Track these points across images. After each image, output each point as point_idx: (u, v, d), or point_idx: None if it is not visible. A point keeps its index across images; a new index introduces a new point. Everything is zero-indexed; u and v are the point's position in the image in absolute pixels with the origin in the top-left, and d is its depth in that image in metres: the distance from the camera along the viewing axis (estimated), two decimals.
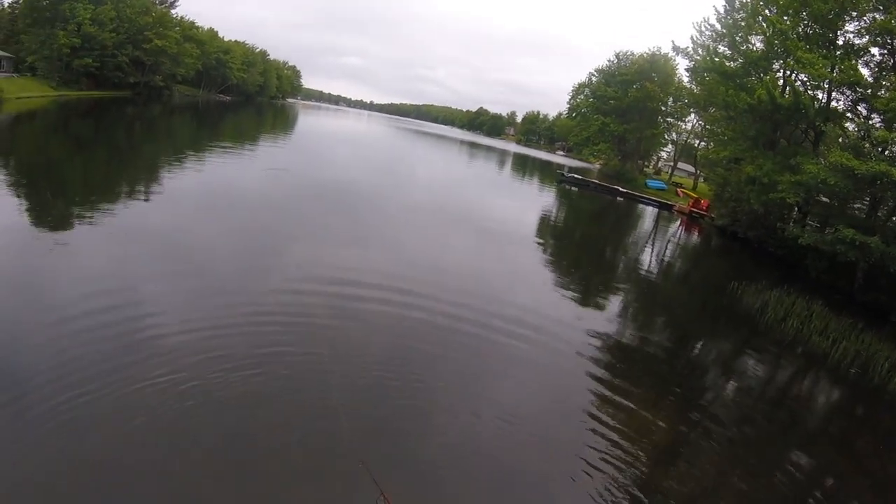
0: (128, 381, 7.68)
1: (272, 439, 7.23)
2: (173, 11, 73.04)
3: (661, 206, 53.47)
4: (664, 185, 68.27)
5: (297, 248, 16.57)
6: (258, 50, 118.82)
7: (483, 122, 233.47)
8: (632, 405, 10.13)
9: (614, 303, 17.99)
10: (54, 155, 25.67)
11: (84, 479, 6.11)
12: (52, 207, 16.39)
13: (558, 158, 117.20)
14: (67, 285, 10.75)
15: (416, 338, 11.29)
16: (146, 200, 18.76)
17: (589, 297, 17.67)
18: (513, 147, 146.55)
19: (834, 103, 30.05)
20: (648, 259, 27.81)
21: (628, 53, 76.44)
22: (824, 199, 28.02)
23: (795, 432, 11.18)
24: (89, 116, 44.29)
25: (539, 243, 25.59)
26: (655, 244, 33.47)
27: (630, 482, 7.73)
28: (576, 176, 62.90)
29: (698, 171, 70.26)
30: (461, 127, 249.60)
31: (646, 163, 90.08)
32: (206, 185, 23.15)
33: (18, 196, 16.75)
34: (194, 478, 6.39)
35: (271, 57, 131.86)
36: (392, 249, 18.46)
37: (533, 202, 42.14)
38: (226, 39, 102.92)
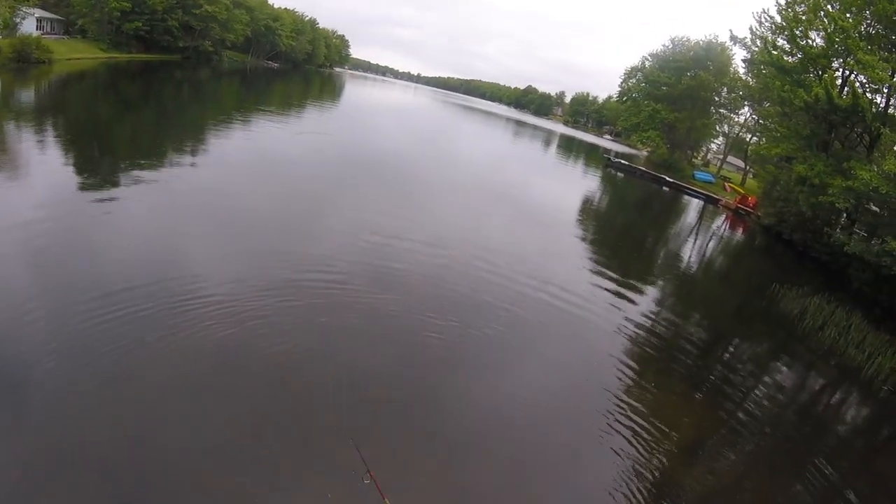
0: (163, 307, 8.65)
1: (278, 400, 7.46)
2: None
3: (708, 200, 52.21)
4: (712, 178, 66.26)
5: (338, 212, 17.17)
6: (307, 18, 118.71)
7: (531, 101, 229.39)
8: (660, 396, 10.19)
9: (651, 292, 17.90)
10: (102, 115, 26.44)
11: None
12: (99, 165, 17.16)
13: (605, 142, 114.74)
14: (115, 236, 11.40)
15: (445, 310, 11.41)
16: (192, 160, 19.52)
17: (626, 284, 17.43)
18: (560, 128, 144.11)
19: (893, 109, 28.47)
20: (689, 252, 27.62)
21: (684, 39, 73.27)
22: (874, 207, 26.70)
23: (820, 443, 10.98)
24: (138, 79, 45.22)
25: (580, 226, 25.73)
26: (698, 238, 33.04)
27: (650, 472, 7.76)
28: (622, 161, 61.88)
29: (748, 167, 67.66)
30: (508, 104, 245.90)
31: (695, 154, 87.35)
32: (251, 148, 24.01)
33: (67, 153, 17.48)
34: (195, 412, 6.81)
35: (320, 25, 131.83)
36: (432, 221, 18.90)
37: (577, 185, 42.27)
38: (276, 7, 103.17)
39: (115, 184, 14.78)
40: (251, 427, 6.74)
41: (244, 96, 50.94)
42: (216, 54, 76.36)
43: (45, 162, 15.55)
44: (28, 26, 41.88)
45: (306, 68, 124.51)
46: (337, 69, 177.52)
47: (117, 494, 5.46)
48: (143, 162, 17.46)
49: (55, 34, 51.01)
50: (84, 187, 14.13)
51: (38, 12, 47.24)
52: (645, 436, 8.51)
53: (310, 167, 22.40)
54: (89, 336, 7.57)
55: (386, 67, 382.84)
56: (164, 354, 7.55)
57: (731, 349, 15.55)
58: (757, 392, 12.39)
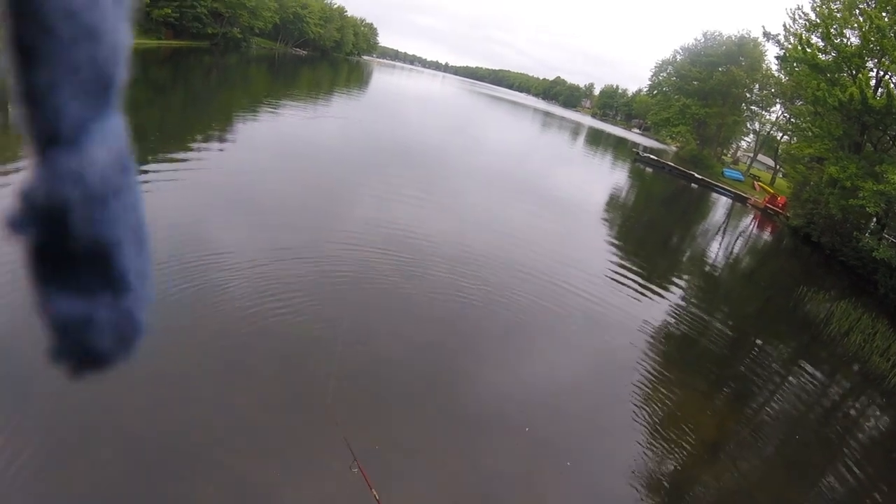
0: (182, 283, 8.63)
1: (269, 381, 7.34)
2: None
3: (736, 198, 51.23)
4: (741, 177, 64.86)
5: (364, 194, 17.26)
6: (336, 6, 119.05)
7: (559, 92, 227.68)
8: (682, 393, 10.06)
9: (675, 289, 17.49)
10: (132, 98, 26.60)
11: None
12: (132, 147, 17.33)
13: (634, 136, 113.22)
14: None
15: (462, 299, 11.26)
16: (220, 145, 19.61)
17: (649, 279, 17.08)
18: (588, 120, 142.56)
19: None
20: (716, 251, 27.02)
21: (716, 34, 71.81)
22: None
23: (839, 450, 10.66)
24: (167, 64, 45.72)
25: (605, 219, 25.34)
26: (725, 236, 32.33)
27: (670, 470, 7.69)
28: (651, 156, 60.95)
29: (778, 166, 66.27)
30: (536, 95, 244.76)
31: (724, 151, 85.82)
32: (278, 131, 24.20)
33: None
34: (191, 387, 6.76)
35: (349, 13, 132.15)
36: (455, 208, 18.79)
37: (605, 178, 41.84)
38: None
39: (143, 162, 14.99)
40: (260, 408, 6.67)
41: (272, 82, 51.38)
42: (244, 41, 76.78)
43: None
44: None
45: (334, 56, 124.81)
46: (365, 57, 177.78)
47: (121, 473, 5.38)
48: (171, 143, 17.73)
49: None
50: None
51: None
52: (665, 431, 8.46)
53: (337, 151, 22.55)
54: None
55: (414, 56, 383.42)
56: (184, 330, 7.58)
57: (755, 349, 15.16)
58: (780, 394, 12.19)
